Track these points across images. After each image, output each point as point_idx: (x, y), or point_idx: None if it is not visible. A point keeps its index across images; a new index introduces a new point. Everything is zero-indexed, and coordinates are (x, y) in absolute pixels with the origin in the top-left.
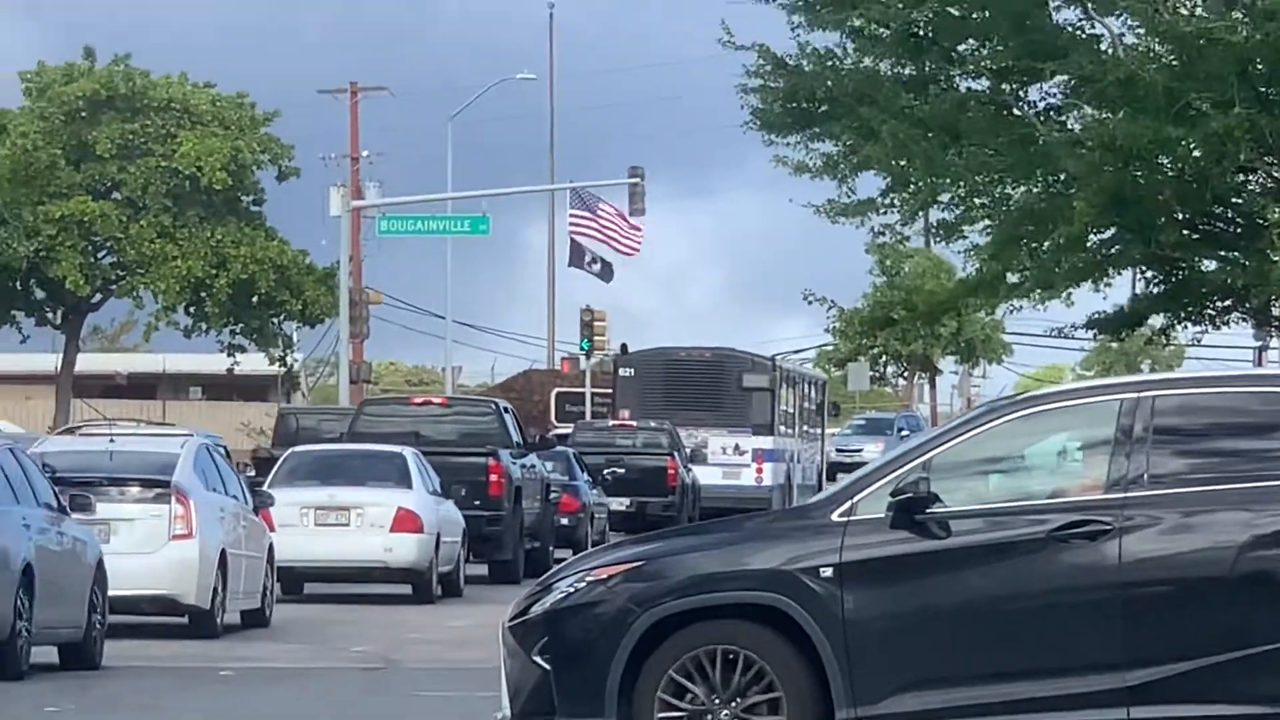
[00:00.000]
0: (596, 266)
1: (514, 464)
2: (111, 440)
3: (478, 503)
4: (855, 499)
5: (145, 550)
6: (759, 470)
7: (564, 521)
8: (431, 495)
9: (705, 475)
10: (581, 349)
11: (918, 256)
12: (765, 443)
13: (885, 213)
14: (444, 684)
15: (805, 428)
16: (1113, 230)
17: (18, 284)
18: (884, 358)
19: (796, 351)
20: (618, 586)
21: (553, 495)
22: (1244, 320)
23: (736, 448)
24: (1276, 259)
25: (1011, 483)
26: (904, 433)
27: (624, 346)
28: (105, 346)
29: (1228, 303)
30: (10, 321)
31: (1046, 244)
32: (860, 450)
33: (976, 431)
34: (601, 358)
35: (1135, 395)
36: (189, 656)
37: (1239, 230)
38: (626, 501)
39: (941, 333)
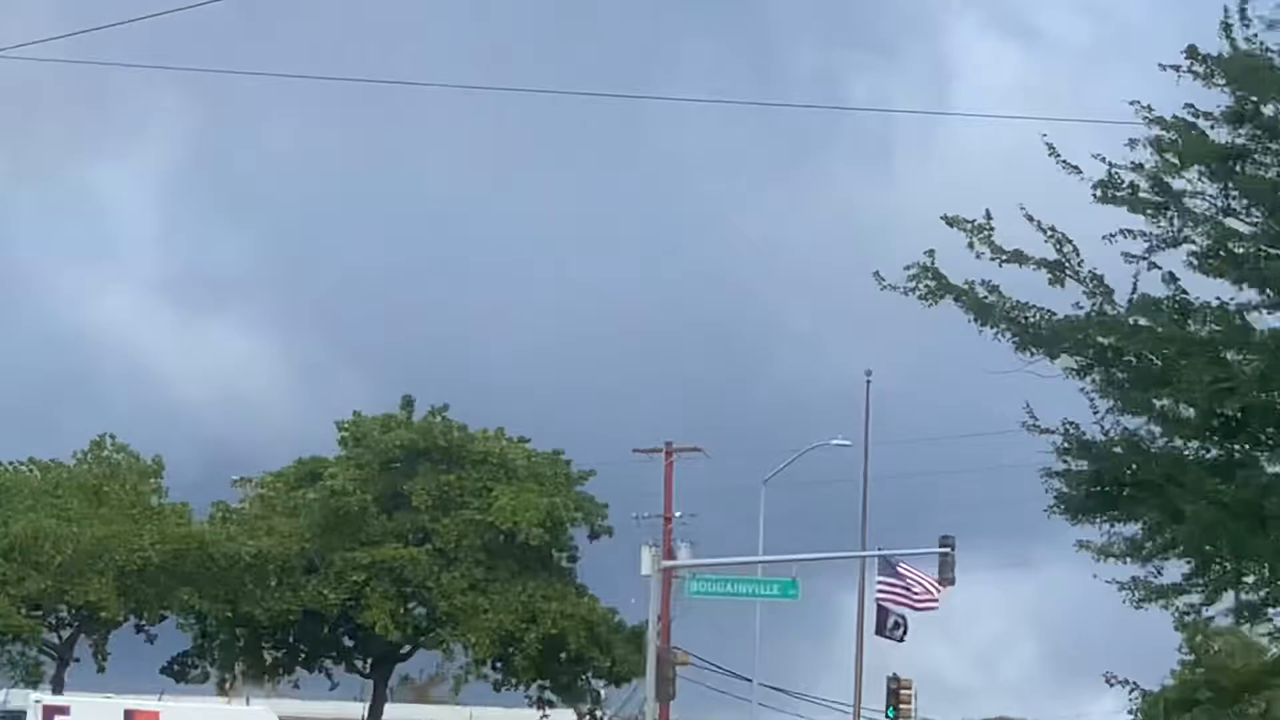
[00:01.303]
0: (899, 632)
1: None
2: None
3: None
4: None
5: None
6: None
7: None
8: None
9: None
10: (888, 717)
11: (1227, 635)
12: None
13: (1189, 594)
14: None
15: None
16: None
17: (328, 630)
18: None
19: None
20: None
21: None
22: None
23: None
24: None
25: None
26: None
27: None
28: (415, 697)
29: None
30: (320, 668)
31: None
32: None
33: None
34: None
35: None
36: None
37: None
38: None
39: (1250, 713)
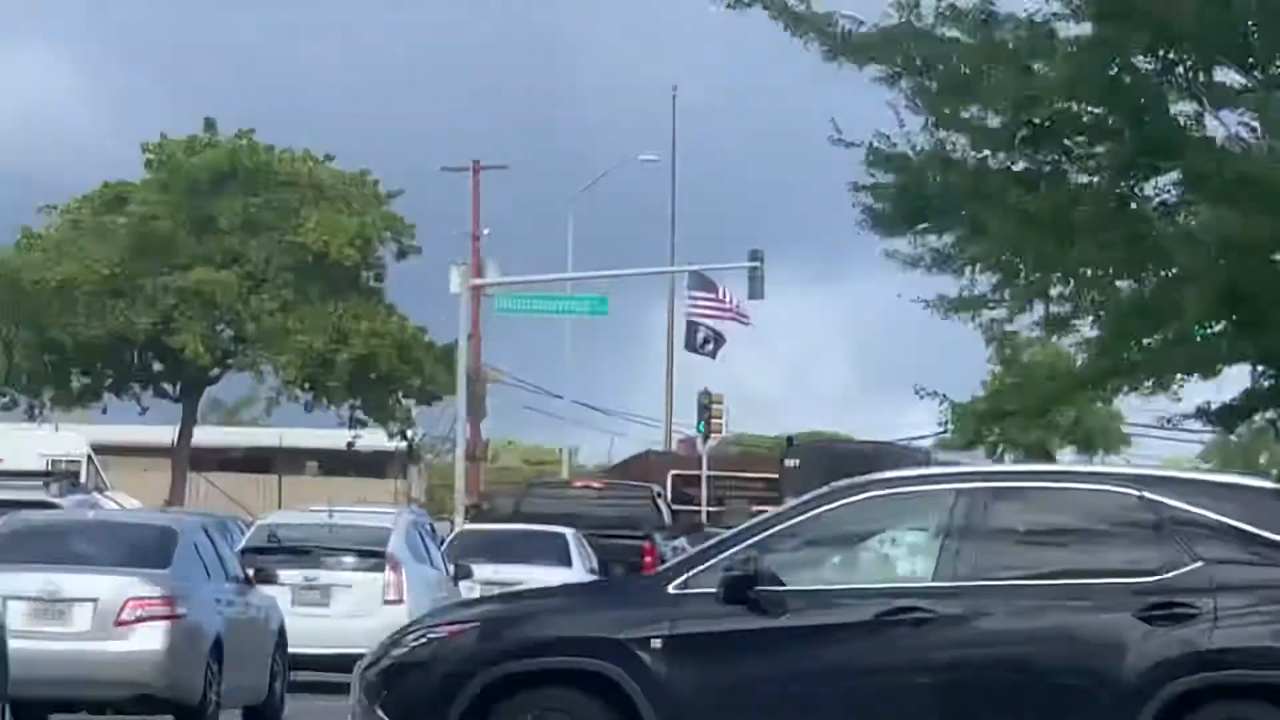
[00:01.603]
0: (709, 346)
1: (666, 545)
2: (331, 515)
3: None
4: (692, 573)
5: (361, 614)
6: None
7: None
8: (590, 574)
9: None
10: (698, 432)
11: (1036, 346)
12: None
13: (995, 308)
14: None
15: None
16: (1225, 325)
17: (136, 356)
18: (1001, 446)
19: (919, 437)
20: (457, 646)
21: None
22: None
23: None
24: None
25: (843, 566)
26: None
27: (790, 440)
28: (225, 420)
29: None
30: (129, 394)
31: (1156, 338)
32: None
33: (814, 514)
34: (719, 441)
35: (968, 486)
36: None
37: None
38: None
39: (1060, 422)
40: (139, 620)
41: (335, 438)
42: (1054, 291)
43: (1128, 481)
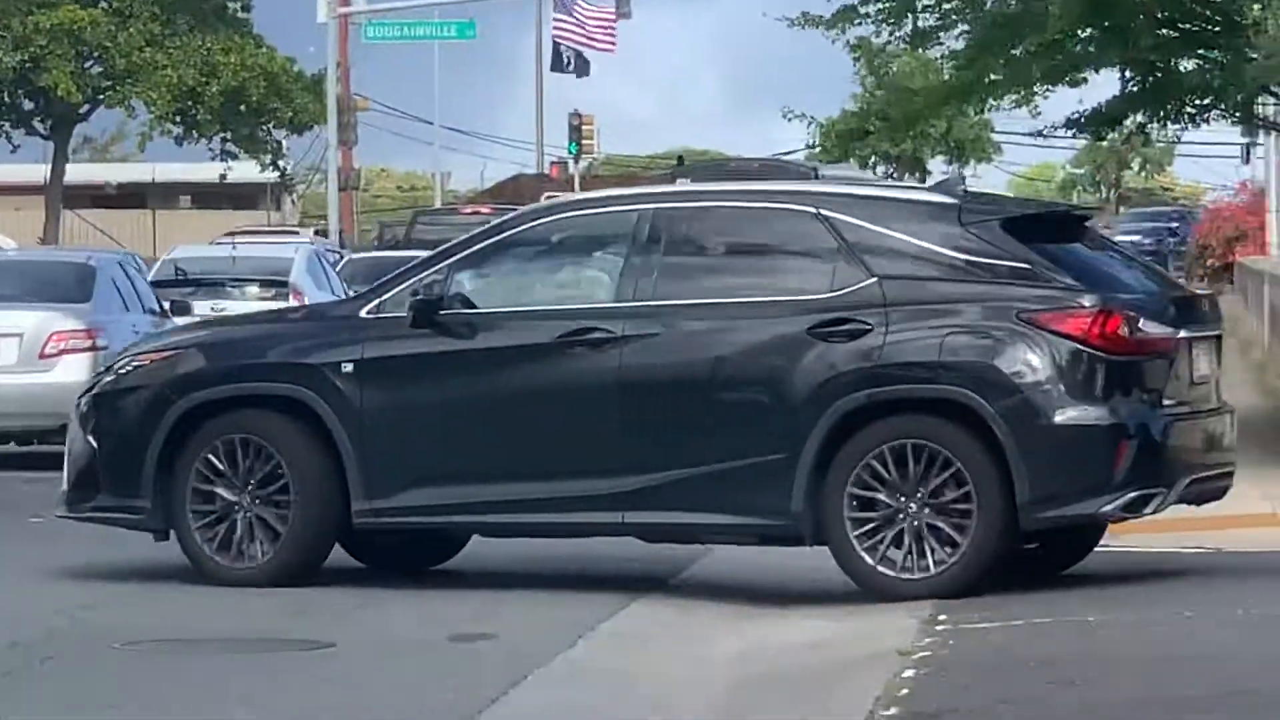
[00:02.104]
0: (571, 67)
1: None
2: (235, 246)
3: None
4: (385, 297)
5: None
6: None
7: None
8: None
9: None
10: (570, 153)
11: (906, 56)
12: None
13: (861, 23)
14: None
15: None
16: (1090, 33)
17: (6, 95)
18: (874, 158)
19: (788, 153)
20: (158, 372)
21: None
22: (1223, 118)
23: None
24: (1254, 56)
25: (531, 288)
26: None
27: (680, 159)
28: (97, 157)
29: (1206, 101)
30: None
31: (1022, 49)
32: None
33: (506, 235)
34: (590, 161)
35: (651, 207)
36: None
37: (1217, 29)
38: None
39: (931, 133)
40: (63, 352)
41: (207, 171)
42: (921, 3)
43: (806, 199)
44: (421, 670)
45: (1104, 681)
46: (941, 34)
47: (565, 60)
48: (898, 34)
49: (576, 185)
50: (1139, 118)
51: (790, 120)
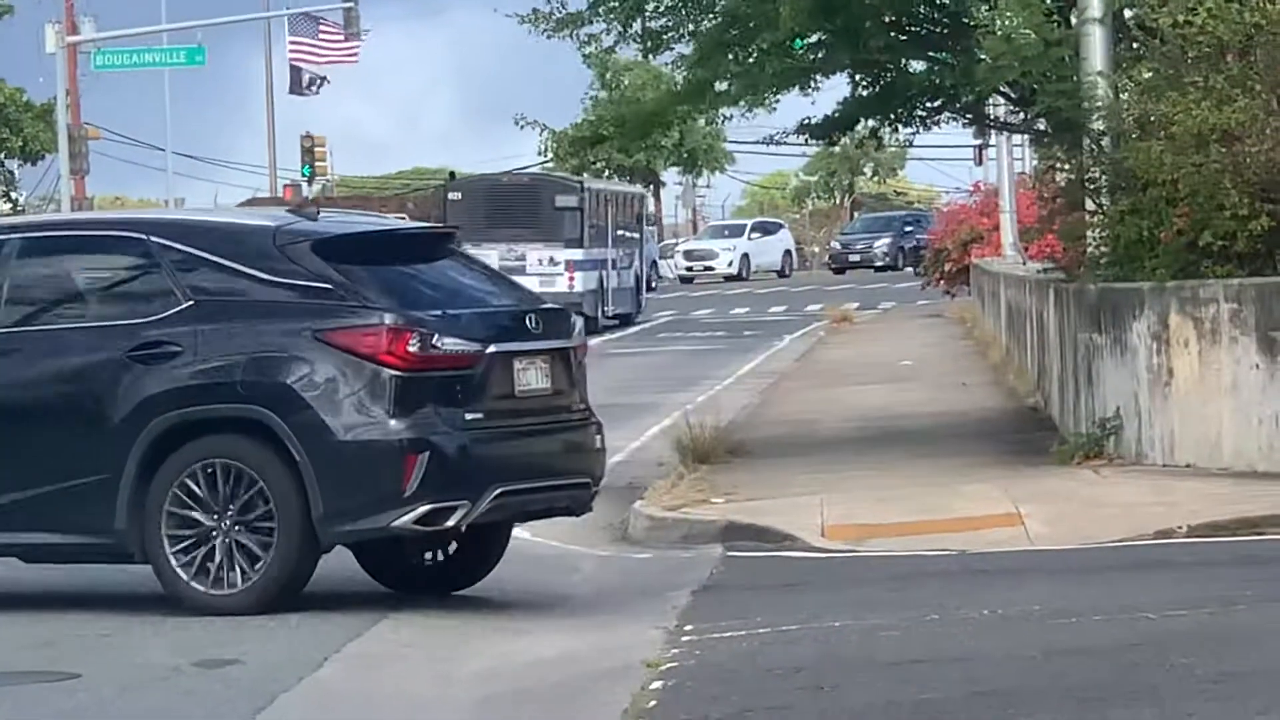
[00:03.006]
0: (315, 88)
1: None
2: None
3: None
4: None
5: None
6: (570, 278)
7: None
8: None
9: (525, 284)
10: (303, 175)
11: (637, 69)
12: (576, 254)
13: (595, 23)
14: None
15: (623, 238)
16: (820, 35)
17: None
18: (607, 171)
19: (522, 169)
20: None
21: None
22: (954, 120)
23: (551, 260)
24: (983, 58)
25: None
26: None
27: (451, 174)
28: None
29: (937, 103)
30: None
31: (752, 51)
32: None
33: None
34: (324, 183)
35: (5, 237)
36: None
37: (945, 30)
38: None
39: (664, 144)
40: None
41: None
42: (650, 6)
43: (138, 226)
44: (169, 698)
45: (850, 686)
46: (672, 37)
47: (306, 81)
48: (627, 34)
49: None
50: (870, 122)
51: (523, 128)
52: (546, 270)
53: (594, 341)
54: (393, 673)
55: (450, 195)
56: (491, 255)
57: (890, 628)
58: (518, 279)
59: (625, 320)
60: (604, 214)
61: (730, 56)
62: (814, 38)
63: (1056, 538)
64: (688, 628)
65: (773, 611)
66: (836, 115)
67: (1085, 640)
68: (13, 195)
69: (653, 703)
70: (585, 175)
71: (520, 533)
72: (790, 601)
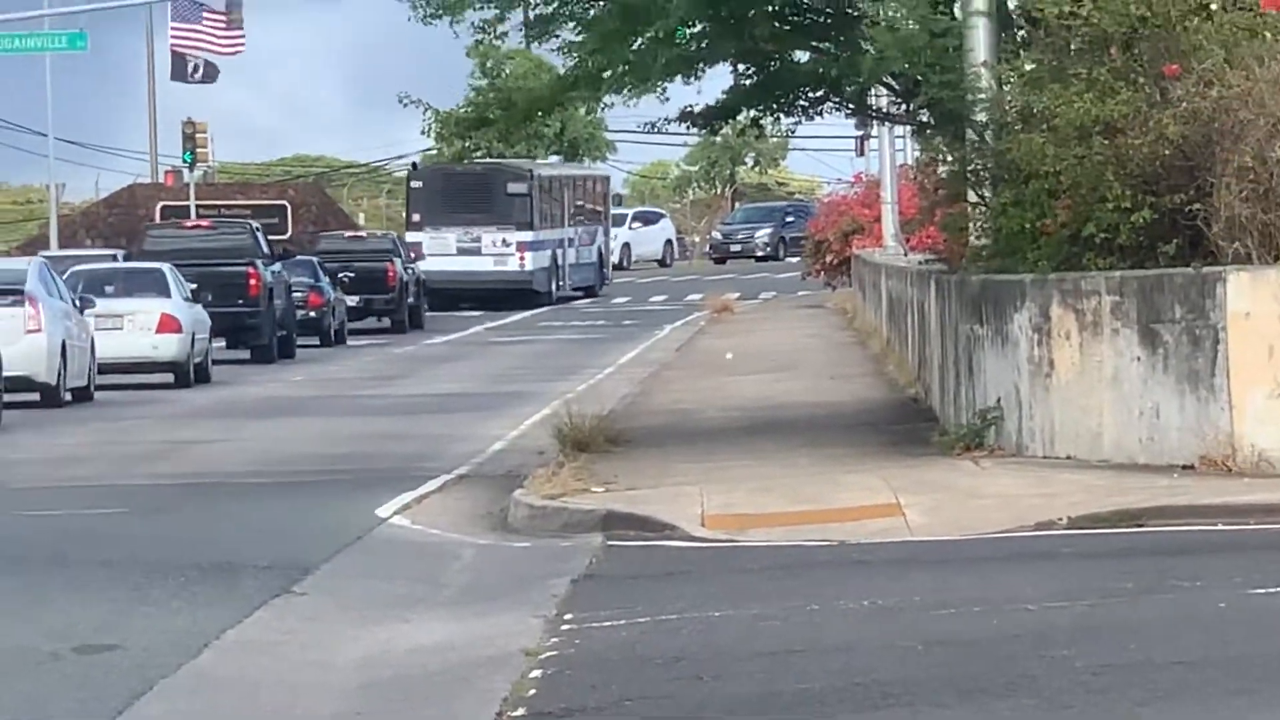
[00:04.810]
0: (199, 75)
1: (266, 270)
2: None
3: (240, 302)
4: None
5: (7, 343)
6: (521, 258)
7: (312, 315)
8: (185, 301)
9: (479, 264)
10: (185, 162)
11: (518, 58)
12: (527, 236)
13: (481, 8)
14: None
15: (581, 218)
16: (706, 24)
17: None
18: (488, 160)
19: (399, 157)
20: None
21: (296, 294)
22: (837, 110)
23: (504, 241)
24: (867, 49)
25: None
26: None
27: (414, 164)
28: None
29: (820, 93)
30: None
31: (642, 39)
32: None
33: None
34: (205, 170)
35: None
36: None
37: (830, 21)
38: (356, 298)
39: (545, 133)
40: None
41: None
42: None
43: None
44: (46, 684)
45: (729, 676)
46: (556, 25)
47: (191, 69)
48: (505, 18)
49: (192, 193)
50: (752, 111)
51: (406, 106)
52: (499, 250)
53: (475, 330)
54: (273, 660)
55: (412, 184)
56: (450, 238)
57: (770, 618)
58: (474, 259)
59: (589, 292)
60: (559, 197)
61: (624, 45)
62: (698, 27)
63: (937, 528)
64: (567, 616)
65: (653, 601)
66: (719, 104)
67: (965, 631)
68: None
69: (532, 691)
70: (537, 160)
71: (400, 520)
72: (670, 591)
